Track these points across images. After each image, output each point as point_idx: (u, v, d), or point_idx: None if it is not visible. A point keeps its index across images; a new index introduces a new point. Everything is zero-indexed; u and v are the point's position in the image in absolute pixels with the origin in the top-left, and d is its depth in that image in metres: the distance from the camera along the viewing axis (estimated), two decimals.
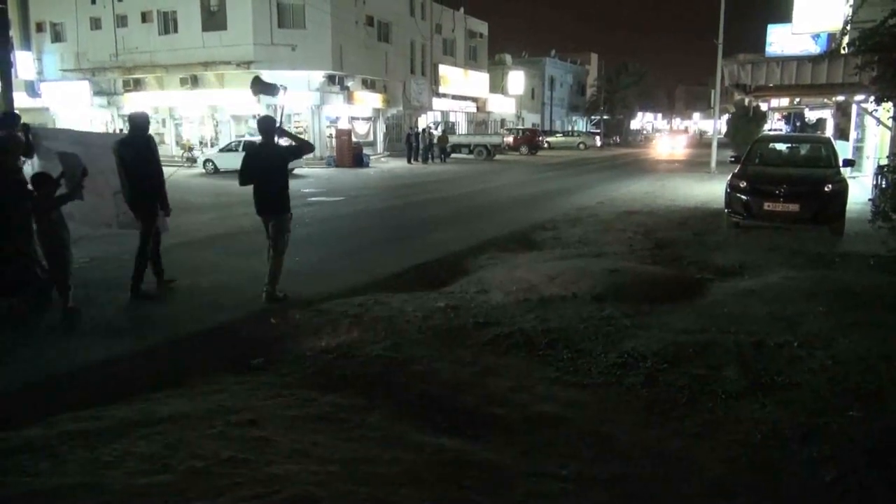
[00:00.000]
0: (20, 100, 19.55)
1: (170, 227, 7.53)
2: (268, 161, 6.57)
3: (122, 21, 32.56)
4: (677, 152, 43.21)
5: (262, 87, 7.79)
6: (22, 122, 7.00)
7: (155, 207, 6.82)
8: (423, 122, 38.67)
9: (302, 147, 7.10)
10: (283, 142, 6.92)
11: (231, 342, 5.36)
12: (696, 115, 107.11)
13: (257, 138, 7.31)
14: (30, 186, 6.01)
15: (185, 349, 5.24)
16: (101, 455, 3.13)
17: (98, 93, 33.90)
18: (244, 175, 6.63)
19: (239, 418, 3.63)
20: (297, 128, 31.66)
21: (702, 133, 79.69)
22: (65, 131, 9.56)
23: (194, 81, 31.85)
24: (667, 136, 55.70)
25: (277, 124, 6.66)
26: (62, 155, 6.39)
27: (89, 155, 6.53)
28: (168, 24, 31.99)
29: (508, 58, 57.02)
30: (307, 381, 4.38)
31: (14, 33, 18.12)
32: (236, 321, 5.90)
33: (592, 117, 69.34)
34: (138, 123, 6.86)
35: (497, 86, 51.53)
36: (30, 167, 6.59)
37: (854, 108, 18.96)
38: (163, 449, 3.17)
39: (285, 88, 7.65)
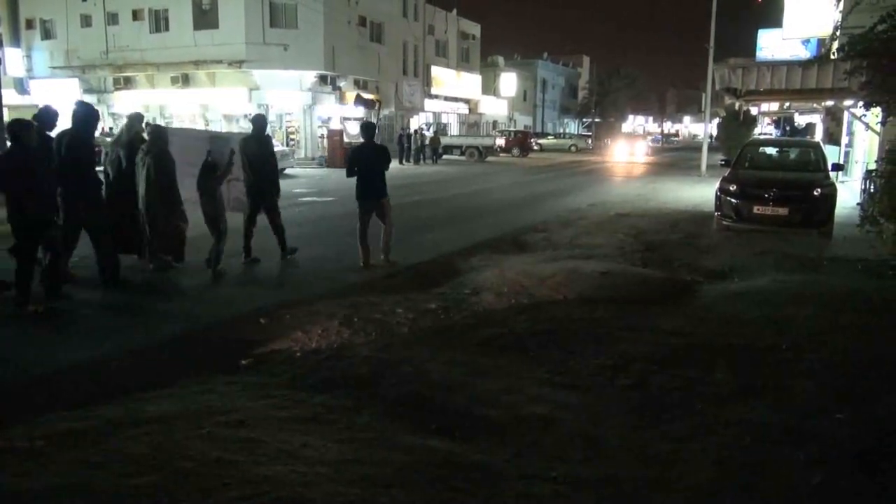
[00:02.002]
0: (9, 97, 19.37)
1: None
2: (370, 156, 8.05)
3: (112, 19, 32.33)
4: (637, 160, 37.06)
5: (362, 102, 10.14)
6: (145, 121, 8.10)
7: (271, 192, 8.23)
8: (415, 123, 38.63)
9: None
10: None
11: (221, 342, 5.33)
12: (688, 119, 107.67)
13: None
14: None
15: (175, 349, 5.22)
16: (88, 455, 3.10)
17: (88, 90, 33.59)
18: (350, 169, 8.13)
19: (228, 419, 3.61)
20: (288, 128, 31.57)
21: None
22: (188, 129, 10.87)
23: (185, 80, 31.69)
24: (624, 141, 47.25)
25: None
26: (213, 139, 7.61)
27: (211, 148, 7.50)
28: (159, 22, 31.80)
29: (501, 59, 57.14)
30: (297, 381, 4.35)
31: (3, 30, 18.02)
32: (226, 321, 5.88)
33: (584, 120, 69.52)
34: (258, 124, 8.32)
35: (489, 87, 51.61)
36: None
37: (846, 113, 19.13)
38: (150, 450, 3.15)
39: (380, 102, 9.68)
